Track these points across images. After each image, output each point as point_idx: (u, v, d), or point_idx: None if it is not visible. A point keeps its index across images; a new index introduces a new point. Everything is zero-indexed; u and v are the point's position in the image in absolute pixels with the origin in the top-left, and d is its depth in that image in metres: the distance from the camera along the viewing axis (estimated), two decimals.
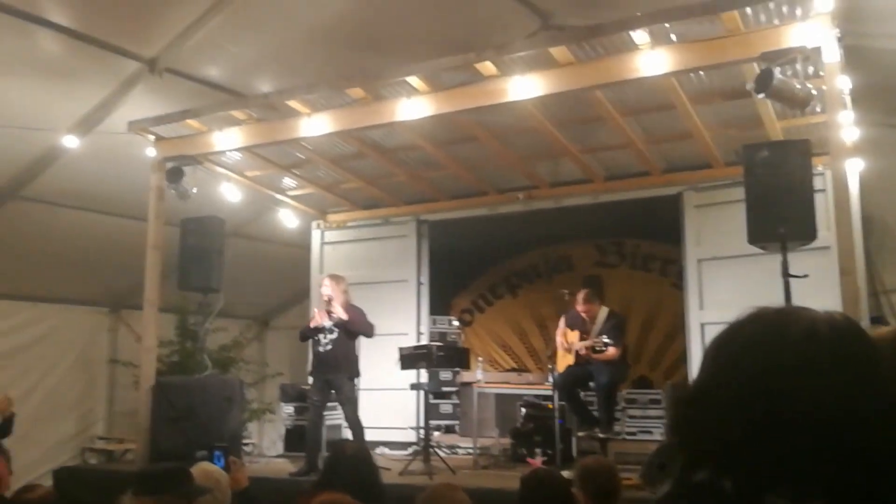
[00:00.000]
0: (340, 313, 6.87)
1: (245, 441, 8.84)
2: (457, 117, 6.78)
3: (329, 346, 6.87)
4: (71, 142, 7.16)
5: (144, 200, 7.69)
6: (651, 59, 5.41)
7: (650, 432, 8.42)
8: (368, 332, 7.06)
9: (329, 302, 6.96)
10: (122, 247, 8.51)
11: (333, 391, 6.92)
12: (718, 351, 0.91)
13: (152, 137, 7.64)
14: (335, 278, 7.18)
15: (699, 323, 7.67)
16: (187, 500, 3.17)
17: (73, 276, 9.46)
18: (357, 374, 7.05)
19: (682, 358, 8.68)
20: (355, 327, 6.96)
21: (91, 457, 9.46)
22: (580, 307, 7.16)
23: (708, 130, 7.08)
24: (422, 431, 7.45)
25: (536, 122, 6.96)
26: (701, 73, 6.04)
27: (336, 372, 6.85)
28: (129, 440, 8.96)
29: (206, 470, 3.80)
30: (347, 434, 7.02)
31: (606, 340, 6.70)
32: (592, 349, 6.77)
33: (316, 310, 7.33)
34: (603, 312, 7.14)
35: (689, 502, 0.83)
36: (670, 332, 10.30)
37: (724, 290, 7.52)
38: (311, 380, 7.15)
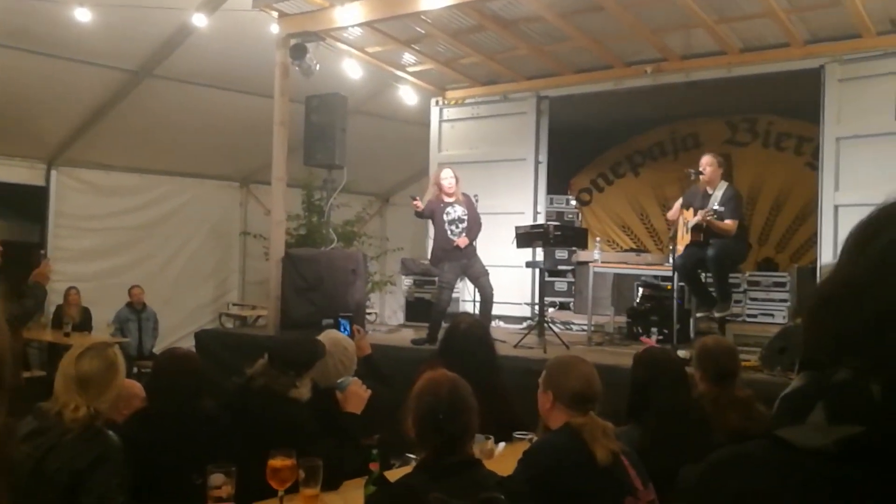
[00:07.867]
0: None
1: (368, 311, 9.28)
2: None
3: (463, 235, 6.94)
4: (199, 20, 7.32)
5: (270, 78, 7.87)
6: None
7: (772, 315, 8.23)
8: (476, 232, 7.05)
9: (450, 194, 6.98)
10: (249, 123, 8.82)
11: (465, 273, 7.07)
12: (865, 240, 0.80)
13: (276, 14, 7.72)
14: (454, 170, 7.16)
15: (833, 205, 7.27)
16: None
17: (205, 152, 9.93)
18: None
19: (812, 241, 8.31)
20: (473, 232, 6.99)
21: (227, 321, 10.22)
22: (703, 160, 6.82)
23: None
24: (536, 307, 7.54)
25: None
26: None
27: (470, 257, 6.99)
28: (260, 307, 9.58)
29: (333, 337, 4.03)
30: (467, 307, 7.20)
31: (717, 207, 6.46)
32: (708, 215, 6.55)
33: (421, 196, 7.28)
34: (721, 186, 6.85)
35: (827, 403, 0.77)
36: (801, 214, 9.87)
37: (864, 171, 7.07)
38: (445, 266, 7.02)
